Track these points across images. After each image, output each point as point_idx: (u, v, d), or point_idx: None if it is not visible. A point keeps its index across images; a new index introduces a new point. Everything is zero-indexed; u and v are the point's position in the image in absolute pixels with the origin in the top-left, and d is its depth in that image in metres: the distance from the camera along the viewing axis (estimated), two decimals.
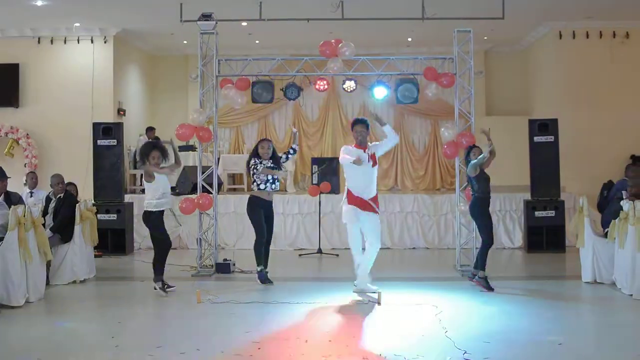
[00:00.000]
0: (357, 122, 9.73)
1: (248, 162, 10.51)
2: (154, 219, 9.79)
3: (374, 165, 9.59)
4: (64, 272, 10.60)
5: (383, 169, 18.64)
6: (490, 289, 9.81)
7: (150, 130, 17.68)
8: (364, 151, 9.52)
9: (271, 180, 10.31)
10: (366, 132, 9.68)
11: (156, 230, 9.85)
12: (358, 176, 9.53)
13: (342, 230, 14.40)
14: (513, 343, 7.12)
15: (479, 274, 10.04)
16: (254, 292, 9.88)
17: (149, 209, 9.76)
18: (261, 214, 10.36)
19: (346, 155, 9.49)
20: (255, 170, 10.31)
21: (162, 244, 9.87)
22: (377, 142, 9.91)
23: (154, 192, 9.75)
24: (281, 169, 10.57)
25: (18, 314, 8.57)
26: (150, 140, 17.17)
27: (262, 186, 10.30)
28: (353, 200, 9.52)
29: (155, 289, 9.63)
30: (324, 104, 19.41)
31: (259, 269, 10.38)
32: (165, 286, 9.71)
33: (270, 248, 10.70)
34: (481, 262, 10.04)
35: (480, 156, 9.96)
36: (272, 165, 10.37)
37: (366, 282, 9.62)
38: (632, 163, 15.23)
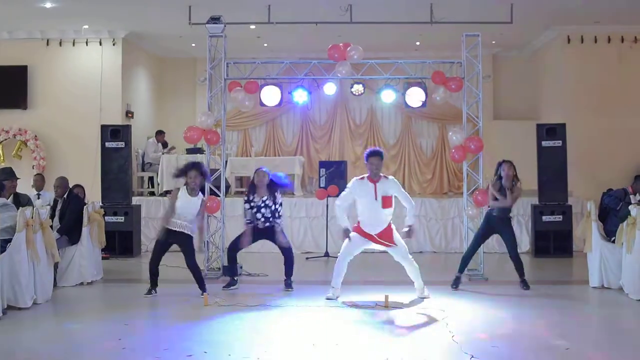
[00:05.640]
0: (373, 153, 9.47)
1: (245, 197, 10.49)
2: (159, 232, 9.85)
3: (385, 206, 9.32)
4: (71, 274, 10.62)
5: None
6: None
7: (159, 133, 17.72)
8: (375, 185, 9.33)
9: (262, 219, 10.24)
10: (380, 164, 9.48)
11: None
12: (365, 210, 9.42)
13: None
14: (520, 347, 7.11)
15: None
16: (261, 295, 9.88)
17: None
18: (251, 234, 10.36)
19: (338, 213, 9.58)
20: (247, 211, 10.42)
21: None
22: (400, 189, 9.61)
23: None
24: (277, 202, 10.30)
25: (25, 315, 8.59)
26: (160, 143, 17.31)
27: (253, 223, 10.35)
28: (358, 230, 9.48)
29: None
30: (332, 108, 19.44)
31: (236, 278, 10.51)
32: (152, 290, 9.80)
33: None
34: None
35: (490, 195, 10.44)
36: (266, 201, 10.26)
37: (423, 289, 9.69)
38: None
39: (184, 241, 9.69)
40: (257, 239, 10.51)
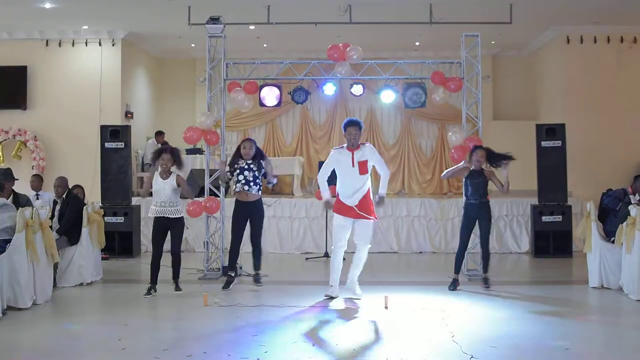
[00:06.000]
0: (350, 123, 9.57)
1: (231, 162, 10.54)
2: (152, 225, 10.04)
3: (362, 172, 9.41)
4: (71, 275, 10.61)
5: (390, 172, 18.62)
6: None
7: (159, 134, 17.72)
8: (353, 153, 9.42)
9: (243, 181, 10.27)
10: (359, 134, 9.52)
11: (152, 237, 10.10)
12: (344, 180, 9.52)
13: None
14: (520, 348, 7.10)
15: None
16: (260, 295, 9.90)
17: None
18: (238, 217, 10.40)
19: (320, 182, 9.73)
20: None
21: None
22: (377, 155, 9.68)
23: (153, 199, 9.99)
24: (261, 171, 10.36)
25: (25, 315, 8.59)
26: (160, 144, 17.31)
27: (233, 186, 10.44)
28: (338, 207, 9.53)
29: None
30: (331, 108, 19.45)
31: (232, 273, 10.45)
32: (151, 290, 9.87)
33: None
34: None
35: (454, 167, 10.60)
36: (250, 165, 10.31)
37: (355, 284, 9.69)
38: None
39: (174, 227, 9.95)
40: (245, 218, 10.42)
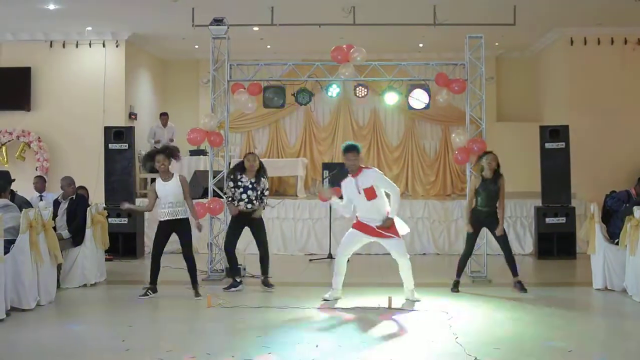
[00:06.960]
0: (347, 149, 9.37)
1: (231, 175, 10.53)
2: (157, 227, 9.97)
3: (369, 198, 9.20)
4: (74, 276, 10.63)
5: (394, 174, 18.67)
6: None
7: (163, 115, 17.71)
8: (356, 180, 9.26)
9: (246, 200, 10.29)
10: (357, 158, 9.33)
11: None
12: (357, 206, 9.40)
13: None
14: (523, 349, 7.10)
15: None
16: (264, 296, 9.90)
17: None
18: (237, 224, 10.44)
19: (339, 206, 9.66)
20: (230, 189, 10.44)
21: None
22: (383, 179, 9.44)
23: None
24: (259, 188, 10.36)
25: (29, 317, 8.59)
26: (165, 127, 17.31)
27: (235, 203, 10.38)
28: (358, 224, 9.45)
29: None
30: (335, 109, 19.42)
31: (238, 279, 10.49)
32: (148, 291, 9.85)
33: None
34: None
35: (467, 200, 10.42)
36: (252, 183, 10.32)
37: (412, 292, 9.55)
38: None
39: (181, 228, 9.85)
40: (241, 226, 10.47)
